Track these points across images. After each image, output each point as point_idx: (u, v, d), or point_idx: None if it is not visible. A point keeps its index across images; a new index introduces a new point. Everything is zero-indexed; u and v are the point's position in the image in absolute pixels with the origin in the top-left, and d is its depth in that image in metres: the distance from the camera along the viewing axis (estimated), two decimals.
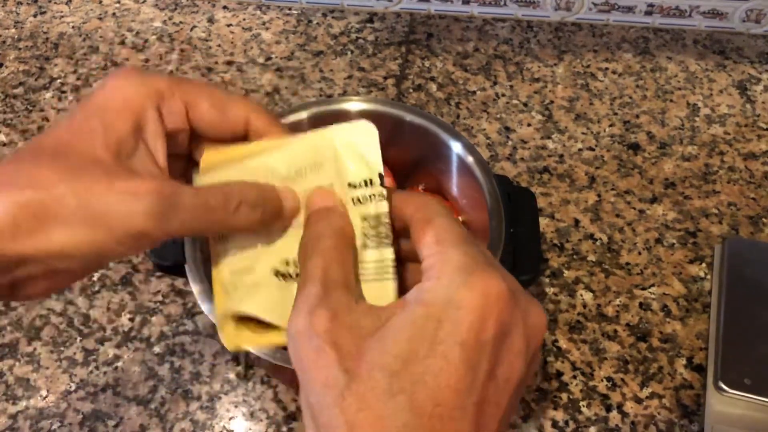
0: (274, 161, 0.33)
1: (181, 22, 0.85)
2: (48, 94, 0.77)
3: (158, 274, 0.60)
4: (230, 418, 0.52)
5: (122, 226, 0.26)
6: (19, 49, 0.82)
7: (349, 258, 0.27)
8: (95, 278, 0.60)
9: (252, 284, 0.32)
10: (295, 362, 0.25)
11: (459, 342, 0.23)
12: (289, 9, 0.86)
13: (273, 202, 0.30)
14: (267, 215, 0.30)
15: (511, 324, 0.24)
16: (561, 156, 0.68)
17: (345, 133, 0.32)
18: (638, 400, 0.52)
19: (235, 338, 0.32)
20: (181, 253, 0.46)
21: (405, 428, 0.22)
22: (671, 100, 0.73)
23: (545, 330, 0.26)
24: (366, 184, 0.30)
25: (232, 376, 0.54)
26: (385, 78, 0.76)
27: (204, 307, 0.45)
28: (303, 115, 0.55)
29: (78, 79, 0.78)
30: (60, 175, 0.25)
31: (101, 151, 0.27)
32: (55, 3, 0.88)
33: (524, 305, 0.25)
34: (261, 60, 0.79)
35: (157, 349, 0.56)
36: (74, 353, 0.56)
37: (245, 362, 0.55)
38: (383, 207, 0.29)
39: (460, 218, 0.57)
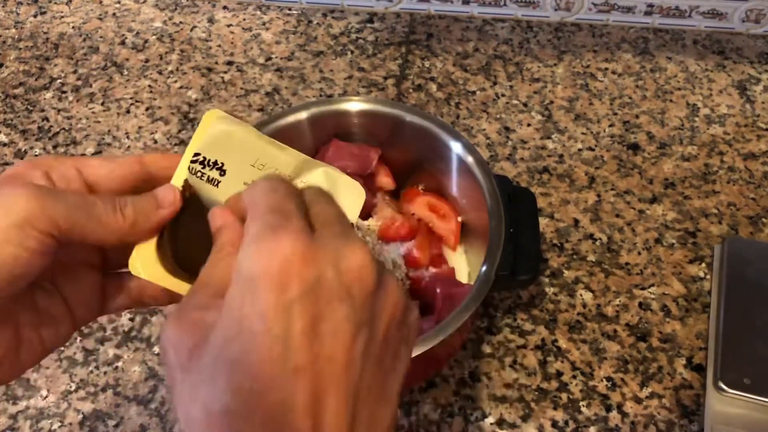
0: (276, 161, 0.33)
1: (181, 23, 0.85)
2: (48, 95, 0.77)
3: None
4: None
5: (10, 216, 0.26)
6: (20, 49, 0.82)
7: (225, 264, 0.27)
8: None
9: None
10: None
11: (259, 312, 0.22)
12: (289, 9, 0.86)
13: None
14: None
15: (316, 278, 0.23)
16: (561, 156, 0.68)
17: (337, 176, 0.33)
18: (638, 400, 0.52)
19: (144, 267, 0.32)
20: None
21: (228, 413, 0.21)
22: (671, 101, 0.73)
23: (367, 266, 0.24)
24: None
25: None
26: (385, 78, 0.77)
27: None
28: (303, 115, 0.55)
29: (78, 79, 0.78)
30: None
31: None
32: (56, 3, 0.88)
33: (331, 253, 0.24)
34: (261, 60, 0.79)
35: (157, 349, 0.56)
36: (74, 353, 0.56)
37: None
38: None
39: (459, 218, 0.57)
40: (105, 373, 0.55)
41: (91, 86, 0.77)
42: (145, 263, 0.32)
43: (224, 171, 0.33)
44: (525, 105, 0.73)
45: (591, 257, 0.61)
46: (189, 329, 0.24)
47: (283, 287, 0.22)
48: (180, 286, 0.32)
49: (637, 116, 0.72)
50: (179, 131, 0.72)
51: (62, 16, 0.86)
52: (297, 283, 0.22)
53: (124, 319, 0.57)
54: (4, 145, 0.72)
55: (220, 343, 0.22)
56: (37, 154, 0.70)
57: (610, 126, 0.71)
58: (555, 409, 0.52)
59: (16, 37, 0.84)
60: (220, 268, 0.27)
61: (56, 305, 0.31)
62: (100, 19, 0.86)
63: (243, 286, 0.23)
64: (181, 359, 0.23)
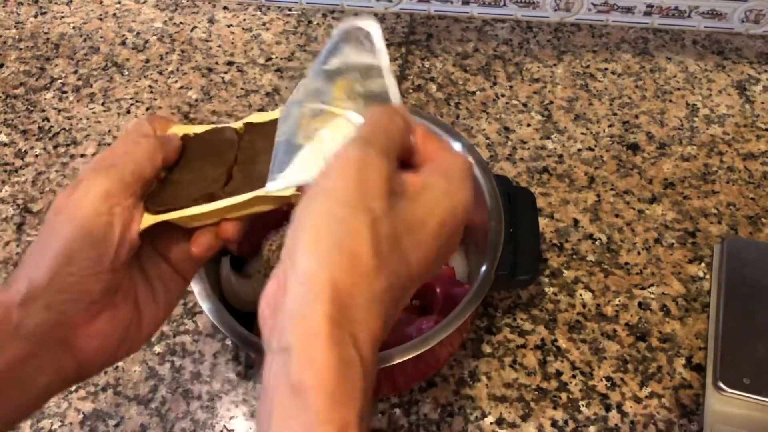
0: None
1: (181, 23, 0.85)
2: (48, 95, 0.77)
3: None
4: (231, 418, 0.52)
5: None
6: (20, 49, 0.82)
7: (406, 144, 0.31)
8: None
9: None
10: (346, 171, 0.27)
11: (442, 235, 0.28)
12: (290, 10, 0.86)
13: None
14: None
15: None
16: (560, 156, 0.68)
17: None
18: (637, 400, 0.52)
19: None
20: None
21: (398, 263, 0.26)
22: (670, 101, 0.74)
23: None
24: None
25: (232, 375, 0.54)
26: None
27: (204, 306, 0.45)
28: None
29: (78, 79, 0.78)
30: None
31: None
32: (56, 3, 0.88)
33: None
34: (261, 60, 0.79)
35: (157, 348, 0.56)
36: None
37: (245, 362, 0.55)
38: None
39: None
40: (105, 372, 0.55)
41: (91, 86, 0.77)
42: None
43: None
44: (525, 105, 0.73)
45: (591, 257, 0.61)
46: (391, 188, 0.28)
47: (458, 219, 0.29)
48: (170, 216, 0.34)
49: (636, 116, 0.72)
50: None
51: (63, 17, 0.86)
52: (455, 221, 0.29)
53: None
54: (5, 145, 0.72)
55: (418, 223, 0.28)
56: (37, 154, 0.70)
57: (610, 126, 0.71)
58: (555, 408, 0.52)
59: (17, 37, 0.84)
60: (401, 139, 0.30)
61: (163, 269, 0.36)
62: (101, 19, 0.86)
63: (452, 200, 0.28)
64: (383, 205, 0.27)
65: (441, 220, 0.28)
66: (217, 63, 0.79)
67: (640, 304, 0.58)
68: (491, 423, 0.51)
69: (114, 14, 0.86)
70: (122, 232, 0.32)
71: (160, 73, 0.78)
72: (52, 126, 0.73)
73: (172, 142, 0.36)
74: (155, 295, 0.35)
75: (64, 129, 0.73)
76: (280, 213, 0.55)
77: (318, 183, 0.27)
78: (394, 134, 0.29)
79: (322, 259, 0.25)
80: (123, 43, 0.82)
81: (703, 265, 0.60)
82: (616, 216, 0.64)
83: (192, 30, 0.84)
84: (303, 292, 0.24)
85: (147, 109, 0.74)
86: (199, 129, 0.38)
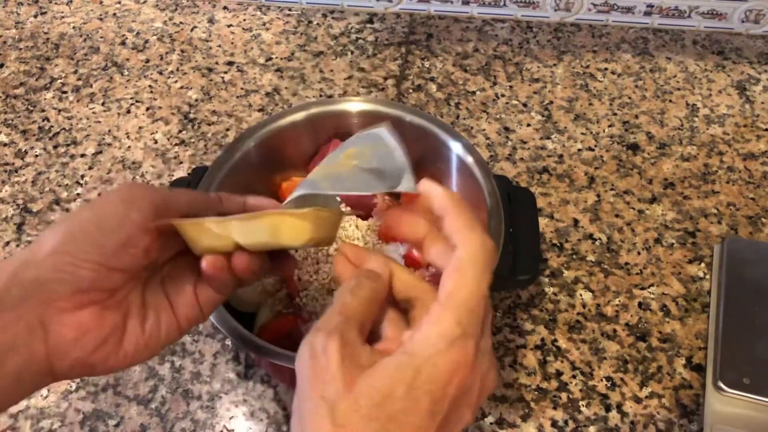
0: None
1: (181, 23, 0.85)
2: (49, 95, 0.77)
3: None
4: (230, 418, 0.52)
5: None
6: (20, 49, 0.82)
7: (373, 313, 0.32)
8: None
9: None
10: (300, 368, 0.30)
11: (428, 392, 0.28)
12: (290, 10, 0.86)
13: None
14: None
15: (471, 386, 0.29)
16: (560, 156, 0.68)
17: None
18: (637, 400, 0.52)
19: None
20: None
21: None
22: (670, 101, 0.74)
23: (494, 388, 0.32)
24: None
25: (232, 375, 0.54)
26: (385, 78, 0.77)
27: None
28: (303, 115, 0.55)
29: (78, 79, 0.78)
30: None
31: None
32: (56, 3, 0.88)
33: (485, 370, 0.30)
34: (261, 60, 0.79)
35: None
36: None
37: (245, 362, 0.55)
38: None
39: None
40: None
41: (91, 86, 0.77)
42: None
43: None
44: (525, 105, 0.73)
45: (590, 257, 0.61)
46: (348, 361, 0.29)
47: (449, 383, 0.28)
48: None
49: (636, 116, 0.72)
50: (179, 131, 0.72)
51: (63, 17, 0.86)
52: (457, 386, 0.28)
53: None
54: (5, 145, 0.72)
55: (384, 394, 0.28)
56: (37, 154, 0.70)
57: (610, 126, 0.71)
58: (555, 408, 0.52)
59: (17, 37, 0.84)
60: (364, 312, 0.31)
61: (162, 305, 0.36)
62: (101, 19, 0.86)
63: (422, 364, 0.28)
64: (341, 386, 0.28)
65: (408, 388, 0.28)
66: (217, 63, 0.79)
67: (640, 304, 0.58)
68: (491, 423, 0.51)
69: (114, 14, 0.86)
70: (131, 234, 0.33)
71: (160, 73, 0.78)
72: (52, 126, 0.73)
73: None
74: (145, 322, 0.35)
75: (64, 129, 0.73)
76: None
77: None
78: (354, 312, 0.31)
79: None
80: (123, 43, 0.82)
81: (703, 265, 0.60)
82: (616, 216, 0.64)
83: (192, 30, 0.84)
84: None
85: (147, 109, 0.74)
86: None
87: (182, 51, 0.81)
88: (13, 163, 0.70)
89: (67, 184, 0.68)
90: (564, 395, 0.53)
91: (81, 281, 0.32)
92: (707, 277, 0.59)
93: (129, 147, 0.71)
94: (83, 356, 0.33)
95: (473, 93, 0.75)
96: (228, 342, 0.56)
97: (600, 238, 0.62)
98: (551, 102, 0.74)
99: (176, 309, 0.36)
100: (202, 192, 0.36)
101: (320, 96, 0.75)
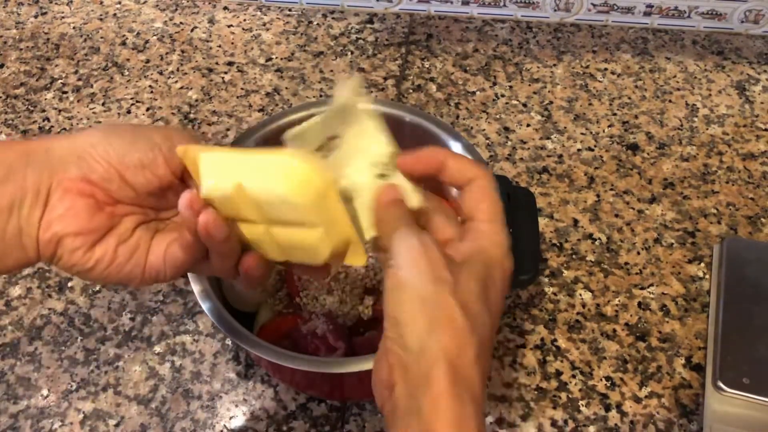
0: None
1: (181, 23, 0.85)
2: (49, 95, 0.77)
3: None
4: (231, 418, 0.52)
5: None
6: (21, 49, 0.82)
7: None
8: None
9: None
10: (413, 257, 0.32)
11: (502, 290, 0.33)
12: (290, 10, 0.86)
13: None
14: None
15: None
16: (560, 156, 0.68)
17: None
18: (637, 400, 0.52)
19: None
20: None
21: (481, 316, 0.31)
22: (670, 101, 0.74)
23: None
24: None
25: (232, 375, 0.54)
26: (385, 78, 0.77)
27: (204, 306, 0.45)
28: (303, 115, 0.55)
29: (79, 79, 0.78)
30: None
31: None
32: (56, 4, 0.88)
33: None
34: (261, 60, 0.80)
35: (157, 348, 0.56)
36: (75, 353, 0.56)
37: (245, 362, 0.55)
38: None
39: (459, 219, 0.57)
40: (105, 372, 0.55)
41: (91, 86, 0.77)
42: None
43: None
44: (524, 105, 0.73)
45: (590, 257, 0.61)
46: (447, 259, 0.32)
47: (509, 273, 0.34)
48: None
49: (636, 116, 0.72)
50: None
51: (63, 17, 0.86)
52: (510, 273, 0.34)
53: (125, 318, 0.58)
54: None
55: (483, 282, 0.32)
56: None
57: (610, 126, 0.71)
58: (554, 408, 0.52)
59: (17, 37, 0.84)
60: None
61: (141, 246, 0.37)
62: (101, 19, 0.86)
63: (496, 263, 0.33)
64: (449, 274, 0.31)
65: (497, 268, 0.33)
66: (217, 63, 0.79)
67: (639, 304, 0.58)
68: (491, 423, 0.51)
69: (114, 14, 0.86)
70: (154, 159, 0.36)
71: (161, 73, 0.79)
72: (52, 126, 0.73)
73: None
74: (120, 246, 0.36)
75: (64, 129, 0.73)
76: None
77: (395, 274, 0.31)
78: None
79: (428, 335, 0.30)
80: (123, 44, 0.82)
81: (702, 265, 0.60)
82: (616, 216, 0.64)
83: (192, 30, 0.84)
84: (422, 367, 0.29)
85: (147, 109, 0.74)
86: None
87: (182, 51, 0.81)
88: None
89: None
90: (564, 395, 0.53)
91: (92, 172, 0.34)
92: (707, 277, 0.59)
93: None
94: (60, 235, 0.34)
95: (473, 93, 0.75)
96: (228, 342, 0.56)
97: (600, 238, 0.62)
98: (551, 102, 0.74)
99: (148, 256, 0.37)
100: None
101: (320, 96, 0.75)
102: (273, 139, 0.55)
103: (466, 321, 0.30)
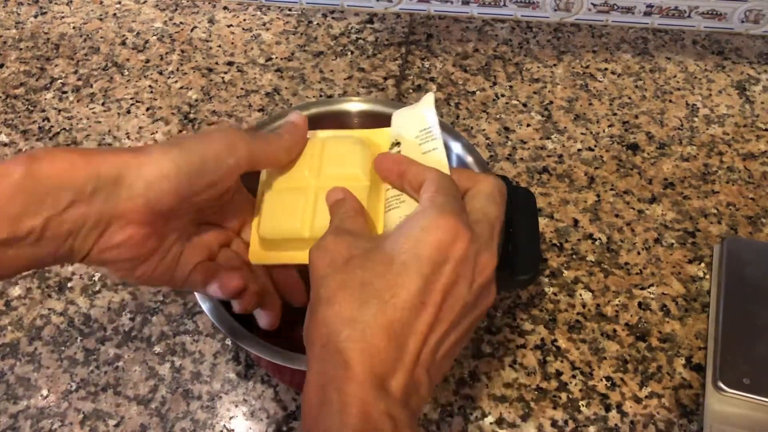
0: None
1: (181, 23, 0.85)
2: (49, 95, 0.77)
3: None
4: (231, 418, 0.52)
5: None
6: (20, 49, 0.82)
7: (356, 219, 0.38)
8: (96, 278, 0.60)
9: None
10: (309, 265, 0.34)
11: (417, 255, 0.31)
12: (290, 10, 0.86)
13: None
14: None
15: (465, 258, 0.32)
16: (560, 156, 0.68)
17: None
18: (637, 400, 0.52)
19: (258, 254, 0.43)
20: None
21: (366, 305, 0.31)
22: (670, 101, 0.74)
23: (492, 269, 0.34)
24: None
25: (232, 375, 0.54)
26: (385, 78, 0.77)
27: (204, 306, 0.45)
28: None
29: (79, 79, 0.78)
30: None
31: None
32: (56, 3, 0.88)
33: (479, 248, 0.33)
34: (261, 60, 0.79)
35: (157, 348, 0.56)
36: (75, 353, 0.56)
37: (245, 362, 0.55)
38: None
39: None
40: (105, 372, 0.55)
41: (91, 86, 0.77)
42: (254, 253, 0.43)
43: None
44: (524, 105, 0.73)
45: (590, 257, 0.61)
46: (344, 246, 0.34)
47: (446, 249, 0.32)
48: (284, 257, 0.42)
49: (636, 116, 0.72)
50: (180, 131, 0.72)
51: (63, 17, 0.86)
52: (457, 253, 0.32)
53: (125, 318, 0.58)
54: (5, 145, 0.72)
55: (378, 263, 0.32)
56: None
57: (610, 126, 0.71)
58: (554, 408, 0.52)
59: (17, 37, 0.84)
60: (356, 222, 0.37)
61: (178, 253, 0.39)
62: (101, 19, 0.86)
63: (417, 233, 0.32)
64: (337, 262, 0.33)
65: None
66: (217, 63, 0.79)
67: (639, 304, 0.58)
68: (491, 423, 0.51)
69: (114, 14, 0.86)
70: (222, 177, 0.37)
71: (160, 73, 0.79)
72: (52, 126, 0.73)
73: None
74: (163, 259, 0.37)
75: (64, 129, 0.73)
76: None
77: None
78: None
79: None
80: (123, 43, 0.82)
81: (702, 265, 0.60)
82: (616, 216, 0.64)
83: (192, 30, 0.84)
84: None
85: (147, 109, 0.74)
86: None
87: (182, 51, 0.81)
88: None
89: None
90: (564, 395, 0.53)
91: (160, 204, 0.34)
92: (707, 277, 0.59)
93: (129, 147, 0.71)
94: (112, 260, 0.35)
95: (473, 93, 0.75)
96: (228, 342, 0.56)
97: (600, 238, 0.62)
98: (551, 102, 0.74)
99: (176, 270, 0.39)
100: (286, 146, 0.42)
101: (320, 96, 0.75)
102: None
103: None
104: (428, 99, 0.44)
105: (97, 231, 0.34)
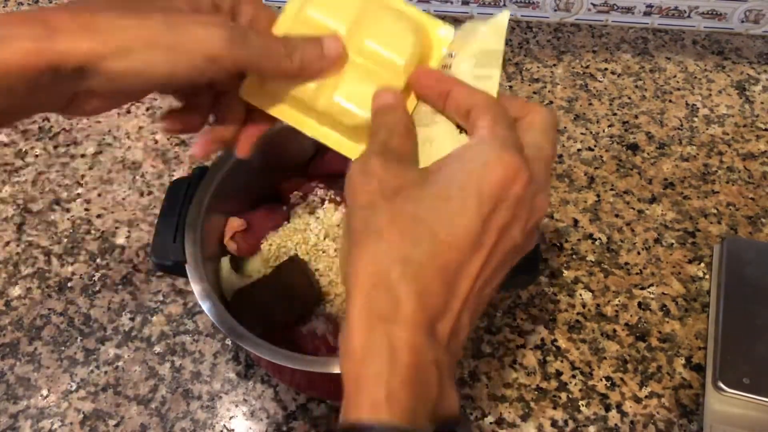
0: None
1: None
2: None
3: (159, 274, 0.60)
4: (230, 418, 0.52)
5: (200, 49, 0.31)
6: None
7: (406, 140, 0.34)
8: (96, 278, 0.60)
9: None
10: (348, 188, 0.32)
11: (479, 193, 0.29)
12: None
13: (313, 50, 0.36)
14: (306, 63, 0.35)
15: (523, 198, 0.30)
16: (560, 156, 0.68)
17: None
18: (637, 400, 0.52)
19: (251, 92, 0.37)
20: (182, 253, 0.46)
21: (421, 243, 0.29)
22: (670, 101, 0.74)
23: (545, 211, 0.32)
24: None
25: (232, 375, 0.54)
26: None
27: (204, 306, 0.45)
28: None
29: None
30: (155, 11, 0.32)
31: (181, 3, 0.34)
32: (56, 4, 0.88)
33: (536, 189, 0.31)
34: None
35: (157, 348, 0.56)
36: (75, 353, 0.56)
37: (245, 362, 0.55)
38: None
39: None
40: (105, 372, 0.55)
41: None
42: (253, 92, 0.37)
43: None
44: None
45: (590, 257, 0.61)
46: (393, 173, 0.31)
47: (508, 188, 0.30)
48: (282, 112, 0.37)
49: (636, 116, 0.72)
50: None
51: None
52: (517, 193, 0.30)
53: (125, 318, 0.58)
54: (5, 145, 0.72)
55: (434, 196, 0.30)
56: (37, 154, 0.70)
57: (610, 126, 0.71)
58: (554, 408, 0.52)
59: None
60: (398, 136, 0.33)
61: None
62: None
63: (474, 168, 0.30)
64: (386, 192, 0.30)
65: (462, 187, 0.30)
66: None
67: (639, 304, 0.58)
68: (491, 423, 0.51)
69: None
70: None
71: None
72: (52, 126, 0.73)
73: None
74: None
75: (64, 129, 0.73)
76: (280, 212, 0.55)
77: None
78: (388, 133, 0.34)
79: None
80: None
81: (702, 265, 0.60)
82: (616, 216, 0.64)
83: None
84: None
85: (147, 109, 0.74)
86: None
87: None
88: (13, 163, 0.70)
89: (67, 184, 0.68)
90: (564, 395, 0.53)
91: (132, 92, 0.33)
92: (707, 277, 0.59)
93: (129, 147, 0.71)
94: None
95: None
96: (228, 342, 0.56)
97: (600, 238, 0.62)
98: (551, 102, 0.74)
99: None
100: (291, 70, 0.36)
101: None
102: (273, 139, 0.55)
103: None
104: (502, 20, 0.37)
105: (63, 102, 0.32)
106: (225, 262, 0.53)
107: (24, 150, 0.71)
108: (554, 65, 0.78)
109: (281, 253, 0.51)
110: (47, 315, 0.58)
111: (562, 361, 0.54)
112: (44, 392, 0.54)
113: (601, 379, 0.54)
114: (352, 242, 0.30)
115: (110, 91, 0.32)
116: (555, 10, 0.81)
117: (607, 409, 0.52)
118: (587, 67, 0.77)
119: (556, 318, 0.57)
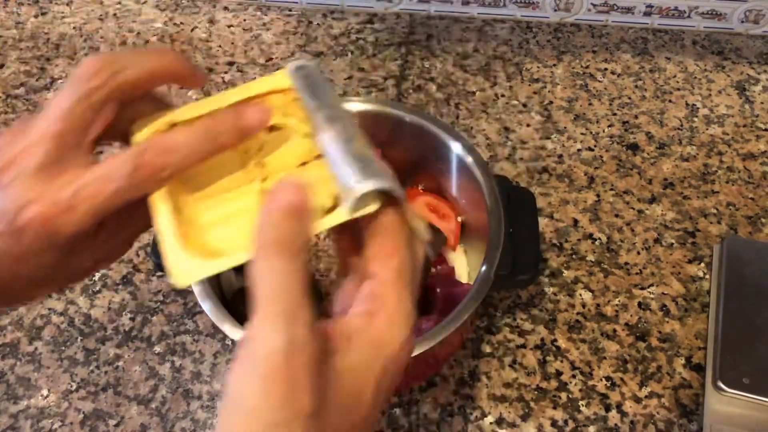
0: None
1: (181, 23, 0.85)
2: (49, 95, 0.77)
3: (159, 273, 0.60)
4: None
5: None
6: (21, 49, 0.82)
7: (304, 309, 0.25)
8: (96, 278, 0.60)
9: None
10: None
11: (387, 389, 0.28)
12: (290, 10, 0.86)
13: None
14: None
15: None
16: (560, 156, 0.68)
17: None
18: (637, 400, 0.52)
19: (186, 272, 0.30)
20: None
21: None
22: (670, 101, 0.74)
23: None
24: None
25: None
26: (385, 79, 0.77)
27: (205, 306, 0.45)
28: None
29: None
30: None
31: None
32: (56, 4, 0.88)
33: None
34: (262, 61, 0.79)
35: (157, 348, 0.56)
36: (75, 353, 0.56)
37: None
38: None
39: (459, 218, 0.57)
40: (106, 372, 0.55)
41: None
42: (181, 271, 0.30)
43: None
44: (524, 105, 0.73)
45: (590, 257, 0.61)
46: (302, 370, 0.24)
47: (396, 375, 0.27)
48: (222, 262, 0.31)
49: (636, 116, 0.72)
50: None
51: (63, 17, 0.86)
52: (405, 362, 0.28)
53: (125, 318, 0.58)
54: None
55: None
56: None
57: (610, 126, 0.71)
58: (554, 408, 0.52)
59: (17, 37, 0.84)
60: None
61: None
62: (101, 19, 0.86)
63: (382, 361, 0.26)
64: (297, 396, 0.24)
65: (377, 382, 0.26)
66: (217, 63, 0.79)
67: (639, 304, 0.58)
68: (491, 423, 0.51)
69: (114, 14, 0.86)
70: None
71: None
72: None
73: None
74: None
75: None
76: None
77: (234, 397, 0.23)
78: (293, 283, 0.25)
79: None
80: (123, 43, 0.82)
81: (702, 265, 0.60)
82: (616, 216, 0.64)
83: (192, 30, 0.84)
84: None
85: None
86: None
87: (182, 51, 0.81)
88: None
89: None
90: (564, 395, 0.53)
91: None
92: (707, 277, 0.59)
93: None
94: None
95: (473, 93, 0.75)
96: (228, 342, 0.56)
97: (600, 238, 0.62)
98: (551, 102, 0.74)
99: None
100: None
101: None
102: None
103: None
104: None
105: None
106: None
107: None
108: (554, 65, 0.78)
109: None
110: (47, 315, 0.58)
111: (562, 361, 0.54)
112: (44, 392, 0.54)
113: (601, 379, 0.54)
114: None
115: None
116: (555, 10, 0.81)
117: (607, 409, 0.52)
118: (587, 67, 0.77)
119: (556, 318, 0.57)
